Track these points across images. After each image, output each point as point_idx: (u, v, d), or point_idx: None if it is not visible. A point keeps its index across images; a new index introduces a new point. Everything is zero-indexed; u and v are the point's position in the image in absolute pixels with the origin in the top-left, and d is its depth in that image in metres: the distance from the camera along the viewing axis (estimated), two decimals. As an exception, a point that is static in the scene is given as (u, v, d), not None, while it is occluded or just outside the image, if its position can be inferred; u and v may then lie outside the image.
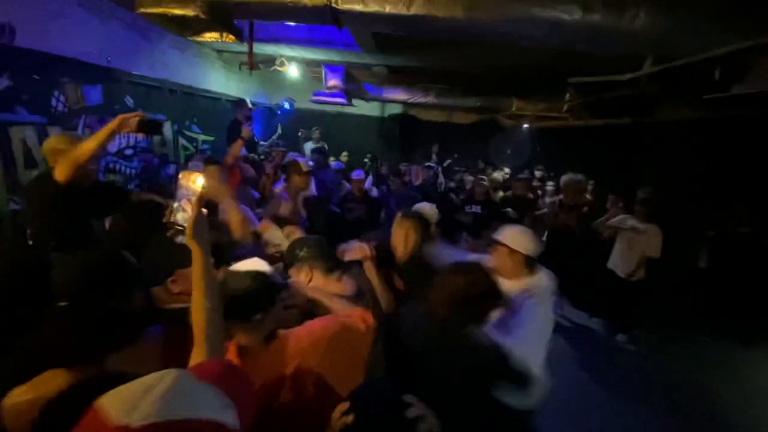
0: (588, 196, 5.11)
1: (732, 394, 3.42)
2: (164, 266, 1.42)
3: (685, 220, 4.79)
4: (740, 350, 4.13)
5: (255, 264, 1.24)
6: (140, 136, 4.68)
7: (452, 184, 6.53)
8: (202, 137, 6.11)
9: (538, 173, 7.29)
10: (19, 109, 3.38)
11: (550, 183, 6.54)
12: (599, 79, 3.39)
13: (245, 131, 3.87)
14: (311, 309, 1.47)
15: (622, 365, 3.95)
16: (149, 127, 2.07)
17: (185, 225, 1.05)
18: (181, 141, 5.66)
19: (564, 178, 4.45)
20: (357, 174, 4.63)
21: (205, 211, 1.07)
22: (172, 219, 1.13)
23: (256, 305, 1.15)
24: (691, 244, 4.93)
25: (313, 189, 3.88)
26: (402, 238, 2.11)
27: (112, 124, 2.01)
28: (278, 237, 2.25)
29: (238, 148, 3.83)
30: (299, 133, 7.50)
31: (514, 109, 6.92)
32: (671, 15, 2.34)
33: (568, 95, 5.42)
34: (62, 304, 1.35)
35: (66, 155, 2.08)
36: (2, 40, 3.15)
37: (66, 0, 3.66)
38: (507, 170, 7.41)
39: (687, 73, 2.60)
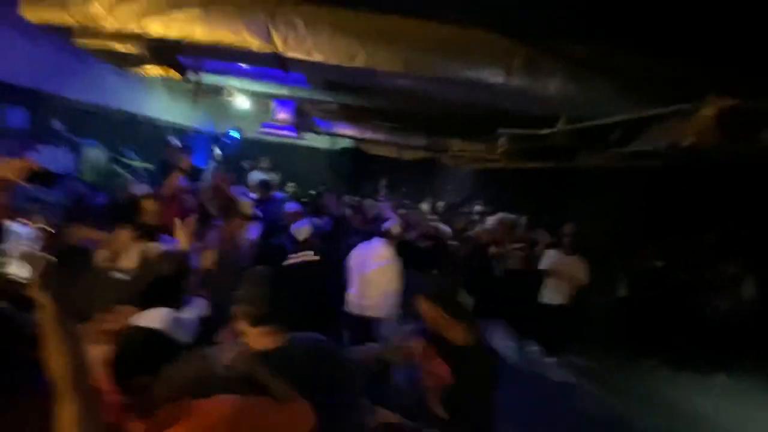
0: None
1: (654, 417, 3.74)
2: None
3: (606, 254, 5.35)
4: (657, 371, 4.58)
5: (158, 316, 1.16)
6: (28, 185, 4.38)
7: None
8: (139, 164, 5.82)
9: (477, 208, 7.76)
10: None
11: (489, 218, 6.96)
12: (522, 132, 3.79)
13: (183, 161, 3.79)
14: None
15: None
16: (41, 178, 1.80)
17: (25, 277, 0.95)
18: (115, 167, 5.35)
19: (497, 216, 4.83)
20: (290, 207, 4.40)
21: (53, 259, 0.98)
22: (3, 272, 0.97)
23: (138, 367, 1.06)
24: (611, 276, 5.46)
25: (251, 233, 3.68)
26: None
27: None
28: None
29: (175, 179, 3.72)
30: (244, 164, 7.35)
31: (455, 149, 7.40)
32: (580, 84, 2.72)
33: (500, 141, 5.89)
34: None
35: None
36: None
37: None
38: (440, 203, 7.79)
39: (594, 131, 3.01)
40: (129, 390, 1.07)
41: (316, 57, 2.54)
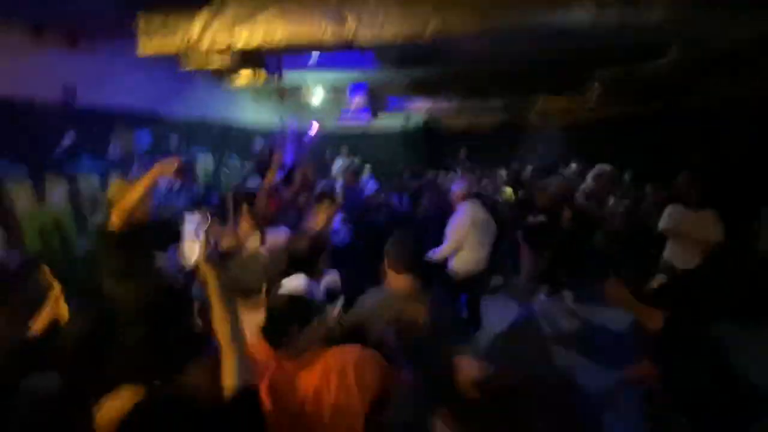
0: None
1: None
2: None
3: (737, 204, 4.52)
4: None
5: (297, 280, 1.40)
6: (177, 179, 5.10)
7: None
8: (240, 166, 6.49)
9: (573, 167, 7.12)
10: (83, 159, 3.79)
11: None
12: (618, 72, 3.35)
13: (276, 158, 4.12)
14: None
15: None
16: (184, 171, 2.25)
17: (196, 259, 1.17)
18: (224, 170, 6.04)
19: (592, 171, 4.38)
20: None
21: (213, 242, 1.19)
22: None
23: (289, 323, 1.28)
24: (748, 229, 4.63)
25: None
26: None
27: (154, 171, 2.11)
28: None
29: (272, 175, 4.07)
30: (326, 154, 7.68)
31: (540, 106, 6.85)
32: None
33: (596, 85, 5.30)
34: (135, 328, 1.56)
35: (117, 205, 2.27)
36: (67, 100, 3.58)
37: (116, 57, 4.08)
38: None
39: (718, 54, 2.54)
40: (280, 344, 1.30)
41: (389, 31, 2.54)
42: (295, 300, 1.35)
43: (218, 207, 4.20)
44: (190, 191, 5.24)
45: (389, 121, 8.71)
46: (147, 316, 1.67)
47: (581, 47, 3.60)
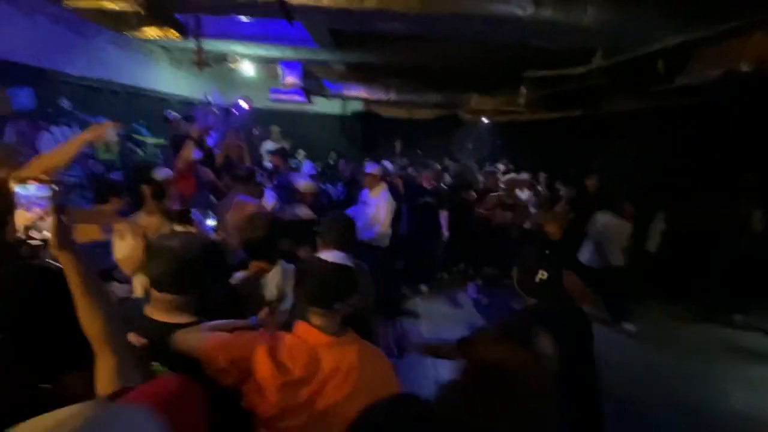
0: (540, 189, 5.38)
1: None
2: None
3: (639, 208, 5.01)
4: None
5: (336, 257, 1.29)
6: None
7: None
8: (151, 140, 5.75)
9: (501, 167, 7.46)
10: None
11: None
12: (553, 73, 3.48)
13: (194, 131, 3.67)
14: None
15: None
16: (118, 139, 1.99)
17: (45, 237, 0.93)
18: (128, 145, 5.28)
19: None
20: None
21: (64, 217, 0.94)
22: (24, 235, 0.95)
23: (340, 294, 1.21)
24: (643, 231, 5.15)
25: (267, 199, 3.56)
26: None
27: (88, 134, 1.89)
28: None
29: (188, 152, 3.62)
30: (254, 131, 7.16)
31: (473, 103, 7.04)
32: (617, 9, 2.42)
33: (524, 89, 5.55)
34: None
35: (10, 168, 1.87)
36: None
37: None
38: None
39: (634, 65, 2.71)
40: None
41: (324, 1, 2.31)
42: (344, 269, 1.27)
43: (120, 187, 3.63)
44: (84, 167, 4.50)
45: (325, 106, 8.39)
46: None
47: (514, 48, 3.68)
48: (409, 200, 4.80)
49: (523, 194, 5.43)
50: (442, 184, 5.36)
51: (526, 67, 4.12)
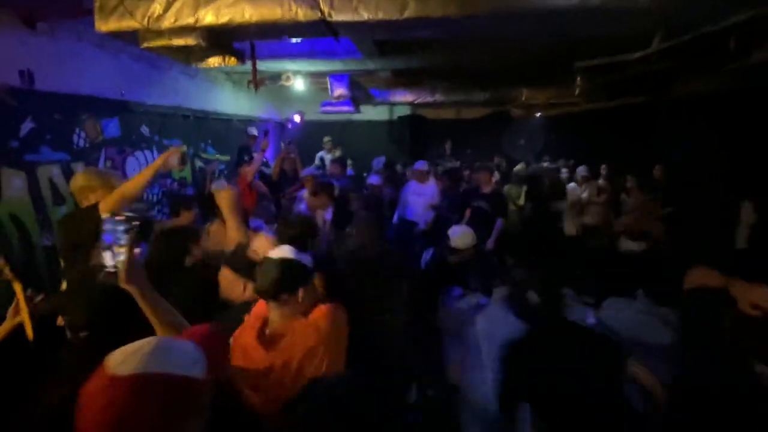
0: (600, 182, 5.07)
1: None
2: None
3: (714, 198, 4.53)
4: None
5: (283, 250, 1.42)
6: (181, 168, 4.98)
7: None
8: (217, 158, 6.27)
9: (562, 163, 7.11)
10: (43, 148, 3.56)
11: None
12: (607, 61, 3.28)
13: (264, 143, 4.02)
14: None
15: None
16: (184, 160, 2.24)
17: (116, 267, 1.03)
18: (198, 164, 5.82)
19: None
20: (373, 179, 4.68)
21: (137, 251, 1.07)
22: (97, 261, 1.05)
23: (283, 287, 1.36)
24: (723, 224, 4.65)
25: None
26: None
27: (159, 161, 2.15)
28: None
29: (258, 164, 3.97)
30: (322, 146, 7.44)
31: (524, 98, 6.80)
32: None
33: (579, 79, 5.26)
34: (82, 335, 1.44)
35: (106, 190, 2.21)
36: (23, 85, 3.33)
37: (79, 41, 3.83)
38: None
39: (701, 45, 2.48)
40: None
41: (364, 14, 2.40)
42: (286, 263, 1.39)
43: (191, 201, 4.01)
44: (163, 185, 5.04)
45: (373, 114, 8.57)
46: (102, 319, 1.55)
47: (564, 38, 3.53)
48: (455, 202, 4.71)
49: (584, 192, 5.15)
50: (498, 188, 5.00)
51: (579, 58, 3.91)
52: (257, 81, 3.68)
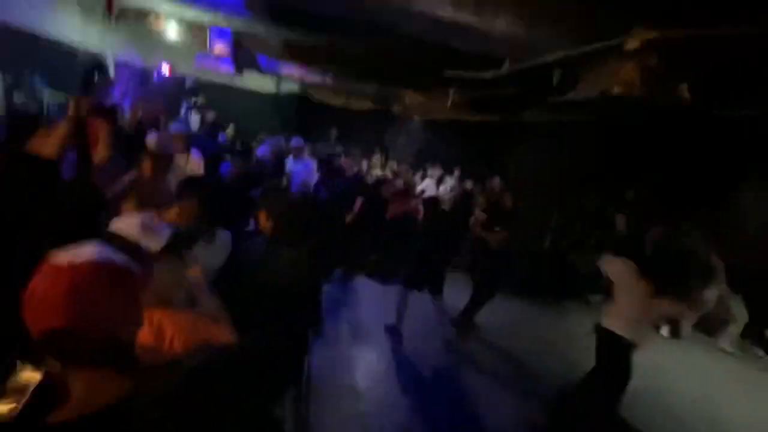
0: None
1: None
2: None
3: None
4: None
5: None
6: None
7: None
8: (48, 93, 5.09)
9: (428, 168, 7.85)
10: None
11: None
12: (468, 75, 3.78)
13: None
14: None
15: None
16: None
17: None
18: (17, 97, 4.63)
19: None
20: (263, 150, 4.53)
21: None
22: None
23: None
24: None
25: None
26: None
27: None
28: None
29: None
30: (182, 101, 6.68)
31: (407, 100, 7.29)
32: (525, 23, 2.72)
33: (452, 90, 5.88)
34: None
35: None
36: None
37: None
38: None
39: (535, 76, 3.07)
40: None
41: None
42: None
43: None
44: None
45: (258, 82, 8.09)
46: None
47: (439, 47, 3.91)
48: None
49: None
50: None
51: (450, 68, 4.40)
52: (112, 6, 3.11)
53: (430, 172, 6.96)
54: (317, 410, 2.35)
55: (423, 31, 3.09)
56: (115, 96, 4.91)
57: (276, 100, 8.84)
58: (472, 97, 5.23)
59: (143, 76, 7.33)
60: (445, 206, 3.64)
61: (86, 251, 0.76)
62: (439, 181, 6.67)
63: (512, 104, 4.48)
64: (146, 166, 2.63)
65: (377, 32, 3.87)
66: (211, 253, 1.84)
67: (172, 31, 5.42)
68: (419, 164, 7.92)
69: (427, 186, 6.42)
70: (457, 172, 6.60)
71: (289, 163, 4.79)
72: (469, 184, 5.73)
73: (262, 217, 1.90)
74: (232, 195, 3.32)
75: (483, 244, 3.68)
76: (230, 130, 6.95)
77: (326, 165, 5.21)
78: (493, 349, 3.65)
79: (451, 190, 5.79)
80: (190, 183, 2.01)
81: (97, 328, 0.74)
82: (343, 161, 5.14)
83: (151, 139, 2.62)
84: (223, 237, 1.92)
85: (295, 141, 4.81)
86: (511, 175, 5.15)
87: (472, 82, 4.20)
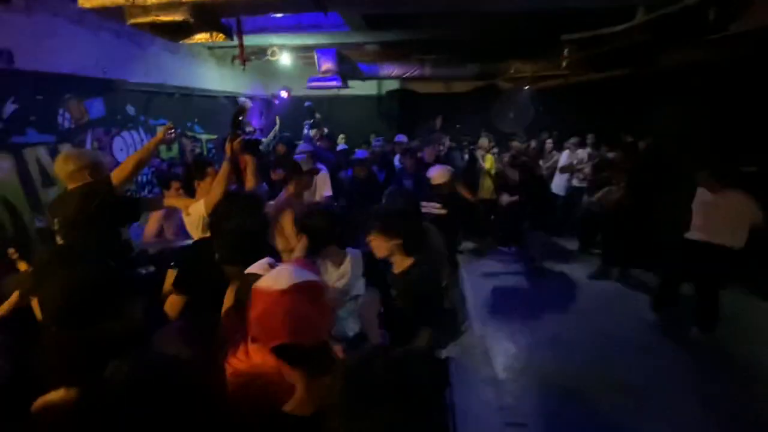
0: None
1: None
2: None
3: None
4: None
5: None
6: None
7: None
8: (204, 137, 6.21)
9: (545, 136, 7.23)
10: (29, 130, 3.50)
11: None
12: (592, 34, 3.32)
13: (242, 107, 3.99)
14: None
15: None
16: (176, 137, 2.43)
17: None
18: (185, 142, 5.75)
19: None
20: (361, 153, 4.69)
21: None
22: None
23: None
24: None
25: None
26: None
27: (159, 134, 2.43)
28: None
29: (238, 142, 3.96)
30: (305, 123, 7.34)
31: (512, 71, 6.79)
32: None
33: (566, 51, 5.29)
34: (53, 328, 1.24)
35: (96, 167, 2.30)
36: (2, 65, 3.24)
37: (56, 16, 3.70)
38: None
39: (681, 18, 2.54)
40: None
41: (354, -10, 2.40)
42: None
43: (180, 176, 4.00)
44: (152, 165, 5.00)
45: (362, 89, 8.47)
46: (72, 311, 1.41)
47: (551, 11, 3.53)
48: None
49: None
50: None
51: (565, 31, 3.93)
52: (244, 57, 3.62)
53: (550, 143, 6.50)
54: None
55: (530, 3, 2.83)
56: (254, 127, 5.69)
57: (379, 100, 9.15)
58: (592, 53, 4.60)
59: (266, 104, 8.38)
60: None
61: (285, 274, 0.94)
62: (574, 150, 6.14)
63: (647, 54, 3.79)
64: (290, 187, 3.02)
65: (477, 19, 3.69)
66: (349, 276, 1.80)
67: (285, 59, 6.02)
68: (533, 136, 7.36)
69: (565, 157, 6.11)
70: (590, 139, 6.13)
71: (396, 161, 4.94)
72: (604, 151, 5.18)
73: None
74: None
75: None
76: (341, 138, 7.48)
77: (408, 156, 5.13)
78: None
79: (589, 159, 5.36)
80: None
81: (310, 337, 0.91)
82: (427, 150, 4.89)
83: (299, 159, 3.05)
84: (353, 254, 1.84)
85: (399, 137, 4.92)
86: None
87: (592, 39, 3.70)
